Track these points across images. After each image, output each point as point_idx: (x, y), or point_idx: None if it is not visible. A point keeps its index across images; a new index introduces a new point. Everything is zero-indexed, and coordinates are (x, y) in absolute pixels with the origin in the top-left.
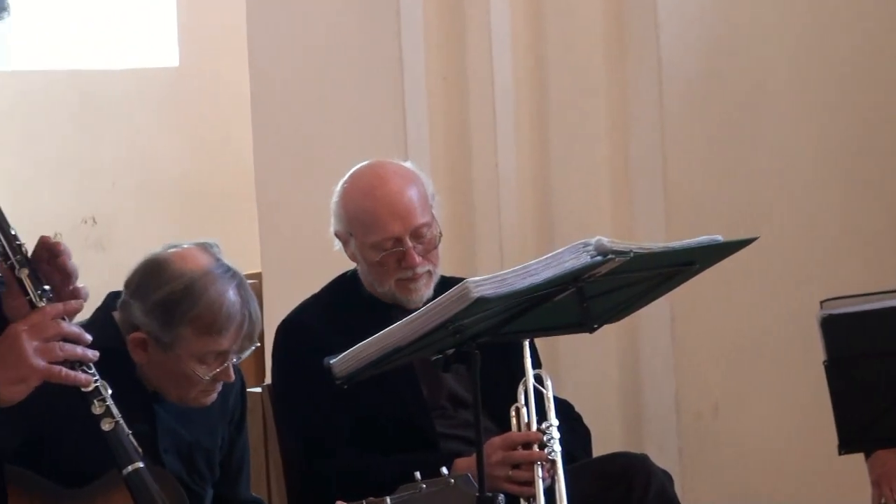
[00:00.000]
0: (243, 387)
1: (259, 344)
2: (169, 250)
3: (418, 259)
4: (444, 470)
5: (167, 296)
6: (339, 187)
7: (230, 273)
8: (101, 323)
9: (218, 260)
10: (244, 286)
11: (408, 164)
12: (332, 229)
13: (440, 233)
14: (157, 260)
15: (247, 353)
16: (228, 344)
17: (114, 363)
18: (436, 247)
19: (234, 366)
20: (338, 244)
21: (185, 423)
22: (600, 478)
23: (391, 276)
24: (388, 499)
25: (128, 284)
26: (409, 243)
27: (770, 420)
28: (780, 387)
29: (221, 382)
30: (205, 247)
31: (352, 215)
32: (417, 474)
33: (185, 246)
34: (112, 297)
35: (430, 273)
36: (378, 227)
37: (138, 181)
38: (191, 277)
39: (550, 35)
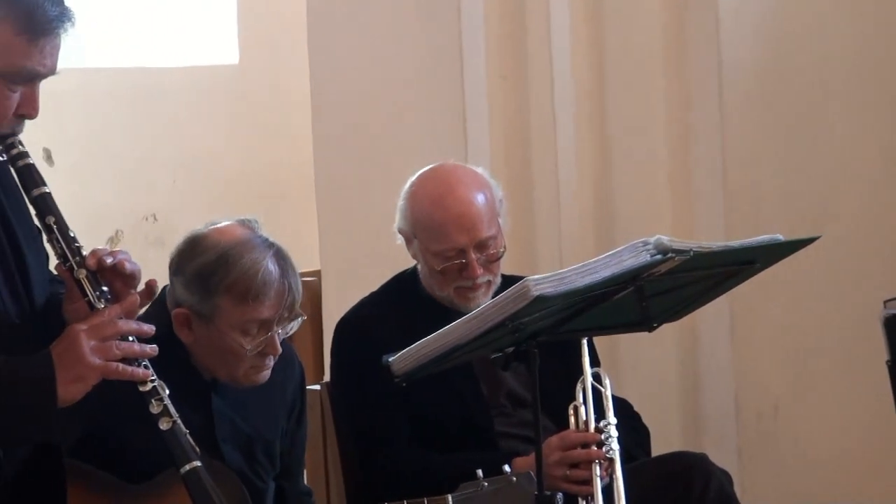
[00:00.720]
0: (303, 379)
1: (304, 316)
2: (208, 227)
3: (480, 270)
4: (507, 468)
5: (202, 266)
6: (407, 187)
7: (267, 243)
8: (156, 315)
9: (255, 232)
10: (283, 256)
11: (479, 170)
12: (396, 225)
13: (504, 246)
14: (194, 235)
15: (292, 326)
16: (269, 312)
17: (169, 353)
18: (498, 258)
19: (291, 351)
20: (400, 239)
21: (243, 413)
22: (659, 477)
23: (451, 283)
24: (449, 497)
25: (170, 264)
26: (473, 255)
27: (831, 420)
28: (841, 387)
29: (271, 358)
30: (244, 222)
31: (417, 219)
32: (479, 472)
33: (225, 222)
34: (166, 290)
35: (489, 283)
36: (443, 238)
37: (199, 179)
38: (225, 246)
39: (610, 34)
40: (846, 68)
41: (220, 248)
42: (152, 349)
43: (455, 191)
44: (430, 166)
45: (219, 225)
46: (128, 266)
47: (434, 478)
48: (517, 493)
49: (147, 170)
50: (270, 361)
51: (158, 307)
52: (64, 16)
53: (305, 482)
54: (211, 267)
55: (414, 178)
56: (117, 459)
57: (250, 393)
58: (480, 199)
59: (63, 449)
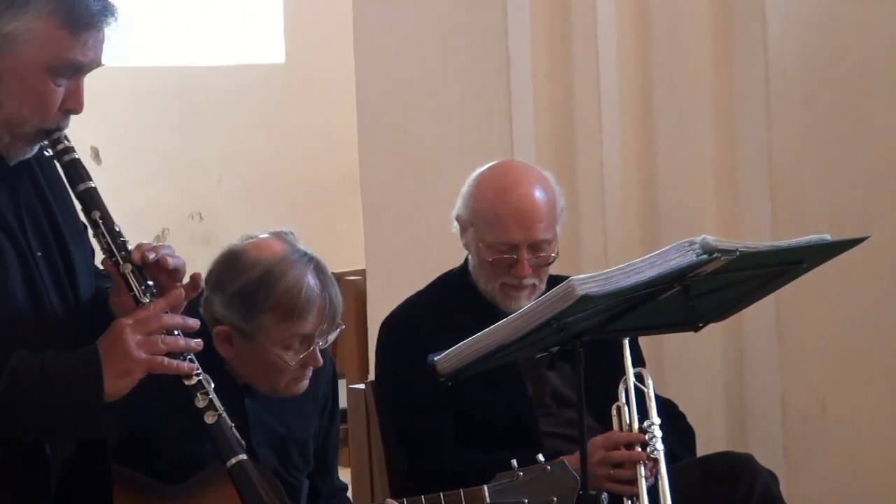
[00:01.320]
0: (334, 375)
1: (343, 326)
2: (245, 241)
3: (528, 271)
4: (541, 457)
5: (244, 286)
6: (474, 175)
7: (306, 258)
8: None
9: (293, 246)
10: (322, 269)
11: (547, 175)
12: (454, 212)
13: (557, 253)
14: (232, 252)
15: (332, 337)
16: (311, 327)
17: (202, 358)
18: (548, 264)
19: (322, 350)
20: (455, 227)
21: (277, 415)
22: (704, 477)
23: (498, 278)
24: (485, 487)
25: (207, 279)
26: (525, 254)
27: (879, 420)
28: (889, 386)
29: (311, 368)
30: (280, 235)
31: (478, 208)
32: (514, 462)
33: (261, 236)
34: (200, 294)
35: (534, 286)
36: (499, 230)
37: (244, 178)
38: (266, 265)
39: (656, 33)
40: (892, 68)
41: (261, 266)
42: (197, 343)
43: (521, 187)
44: (502, 160)
45: (255, 239)
46: (171, 261)
47: (478, 477)
48: (552, 481)
49: (193, 168)
50: (310, 372)
51: (190, 311)
52: (106, 10)
53: (345, 480)
54: (253, 286)
55: (483, 168)
56: (152, 460)
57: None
58: (543, 201)
59: (110, 450)
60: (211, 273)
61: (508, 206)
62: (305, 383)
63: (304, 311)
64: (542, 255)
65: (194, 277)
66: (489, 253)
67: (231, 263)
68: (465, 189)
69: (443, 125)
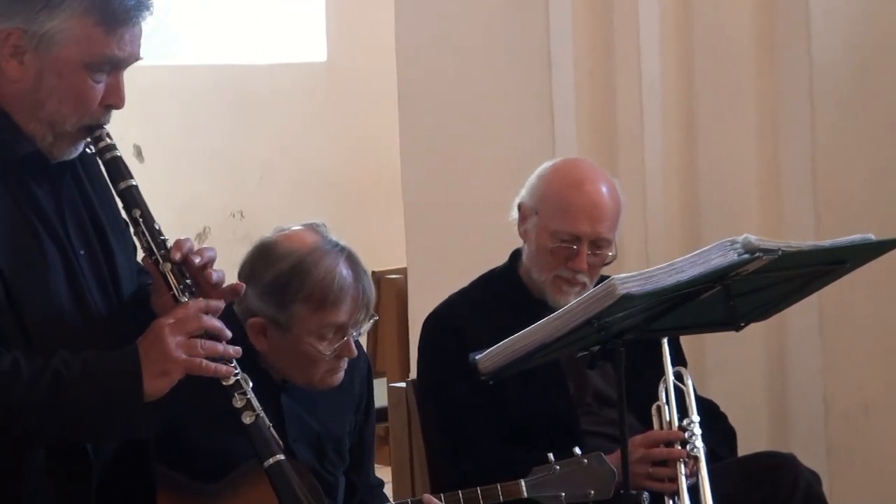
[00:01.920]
0: (369, 371)
1: (377, 316)
2: (277, 233)
3: (585, 265)
4: (577, 450)
5: (277, 276)
6: (547, 164)
7: (338, 248)
8: (224, 316)
9: (325, 237)
10: (354, 259)
11: (616, 181)
12: (518, 199)
13: (615, 256)
14: (265, 244)
15: (366, 327)
16: (345, 317)
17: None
18: (604, 264)
19: (356, 341)
20: (513, 215)
21: (312, 412)
22: (746, 477)
23: (553, 269)
24: (522, 481)
25: (240, 273)
26: (586, 249)
27: None
28: None
29: (346, 359)
30: (312, 226)
31: (549, 195)
32: (551, 455)
33: (294, 228)
34: None
35: (584, 285)
36: (568, 218)
37: (285, 176)
38: (299, 255)
39: (699, 31)
40: None
41: (293, 256)
42: (236, 351)
43: (594, 182)
44: (574, 157)
45: (287, 231)
46: (214, 276)
47: (518, 475)
48: (589, 474)
49: (235, 167)
50: (345, 364)
51: (225, 308)
52: (141, 5)
53: (385, 478)
54: (286, 277)
55: (555, 160)
56: (189, 458)
57: (319, 391)
58: (612, 202)
59: (153, 450)
60: (244, 266)
61: (581, 197)
62: (341, 375)
63: (337, 300)
64: (600, 253)
65: (236, 288)
66: (550, 240)
67: (264, 255)
68: (533, 177)
69: (484, 124)
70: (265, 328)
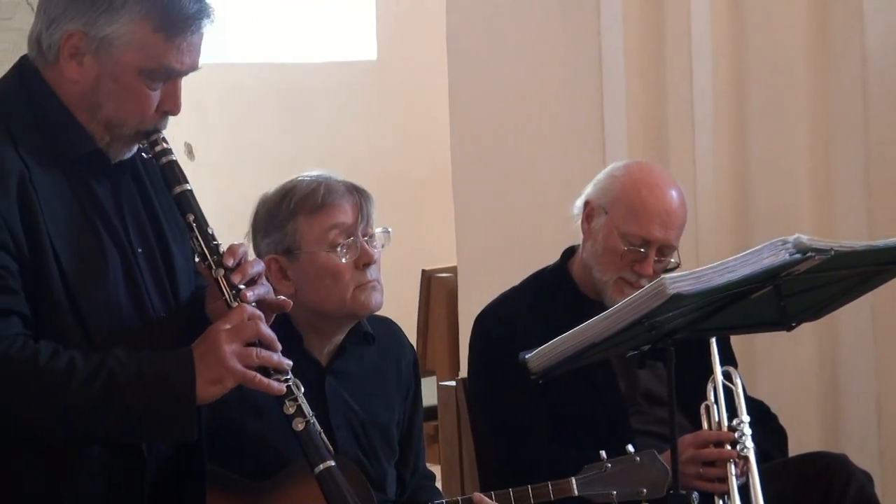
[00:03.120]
0: (416, 362)
1: (390, 230)
2: None
3: (651, 270)
4: (630, 447)
5: (270, 205)
6: (619, 164)
7: (320, 172)
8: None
9: None
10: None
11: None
12: (585, 196)
13: (679, 262)
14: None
15: (377, 235)
16: (344, 216)
17: (282, 338)
18: (665, 271)
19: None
20: (576, 211)
21: (357, 397)
22: (798, 477)
23: (619, 270)
24: (573, 479)
25: (251, 236)
26: (653, 254)
27: None
28: None
29: (372, 270)
30: None
31: (622, 195)
32: (602, 453)
33: None
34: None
35: None
36: (642, 221)
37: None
38: (281, 185)
39: (751, 32)
40: None
41: (279, 187)
42: (289, 363)
43: (670, 188)
44: (641, 160)
45: None
46: (260, 291)
47: (569, 474)
48: (641, 472)
49: (285, 165)
50: (374, 276)
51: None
52: (202, 12)
53: (437, 474)
54: (276, 201)
55: (627, 160)
56: (237, 456)
57: (365, 375)
58: (682, 209)
59: (206, 449)
60: (249, 228)
61: (658, 202)
62: (377, 296)
63: (327, 199)
64: (665, 259)
65: (283, 304)
66: (620, 242)
67: (258, 205)
68: (603, 176)
69: (535, 123)
70: (280, 264)
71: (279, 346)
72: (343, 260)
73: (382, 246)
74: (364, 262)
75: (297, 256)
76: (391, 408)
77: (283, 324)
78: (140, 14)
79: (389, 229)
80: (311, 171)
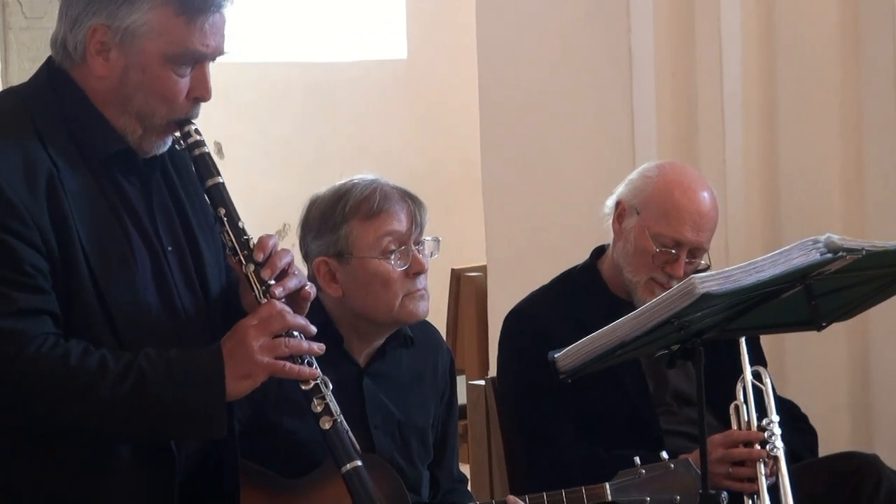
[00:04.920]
0: (452, 365)
1: (441, 238)
2: None
3: (682, 272)
4: (664, 454)
5: (323, 210)
6: (651, 164)
7: (374, 177)
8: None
9: None
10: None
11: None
12: (617, 196)
13: (709, 264)
14: (309, 199)
15: (431, 248)
16: (398, 225)
17: (321, 338)
18: (695, 273)
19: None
20: (608, 210)
21: (395, 398)
22: (828, 477)
23: (649, 271)
24: (607, 485)
25: (300, 235)
26: (685, 256)
27: None
28: None
29: (422, 279)
30: None
31: (655, 196)
32: (637, 459)
33: None
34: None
35: None
36: (674, 223)
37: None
38: (337, 187)
39: (781, 30)
40: None
41: (333, 189)
42: (320, 347)
43: (703, 191)
44: (672, 161)
45: None
46: (291, 284)
47: (598, 474)
48: (675, 480)
49: (315, 164)
50: (423, 285)
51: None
52: None
53: (466, 473)
54: (330, 203)
55: (660, 161)
56: (270, 453)
57: (403, 377)
58: (714, 212)
59: (238, 445)
60: (299, 227)
61: (691, 203)
62: (424, 305)
63: (382, 206)
64: (696, 261)
65: (304, 293)
66: (651, 243)
67: (309, 205)
68: (636, 176)
69: (565, 123)
70: (330, 266)
71: (313, 329)
72: (395, 268)
73: (431, 254)
74: (415, 270)
75: (348, 261)
76: (427, 409)
77: (325, 324)
78: (160, 0)
79: (440, 238)
80: (364, 175)
